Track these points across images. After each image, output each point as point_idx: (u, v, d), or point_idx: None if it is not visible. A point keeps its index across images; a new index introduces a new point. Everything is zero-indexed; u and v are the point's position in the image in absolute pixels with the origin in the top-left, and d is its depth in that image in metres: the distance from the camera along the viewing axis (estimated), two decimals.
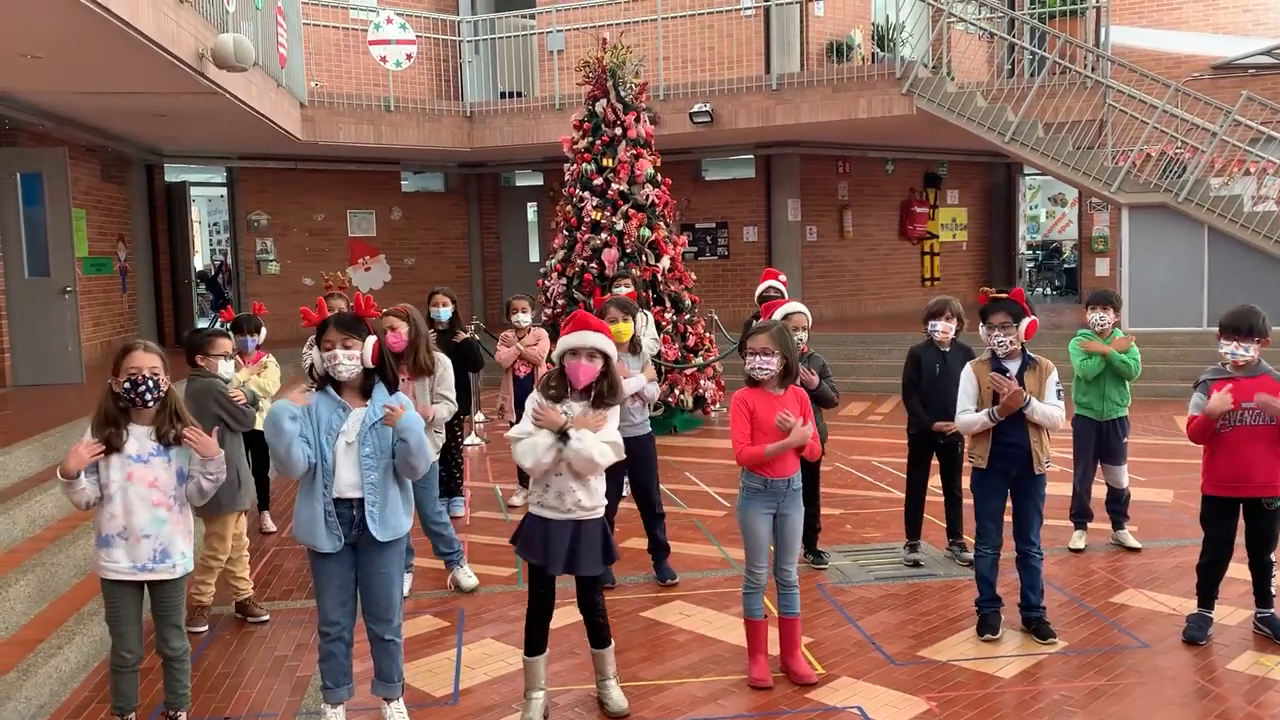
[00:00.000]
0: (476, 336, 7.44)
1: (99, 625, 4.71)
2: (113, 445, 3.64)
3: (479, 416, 10.51)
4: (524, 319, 7.19)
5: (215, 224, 20.41)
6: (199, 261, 17.79)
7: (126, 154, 12.69)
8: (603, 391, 3.90)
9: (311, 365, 3.84)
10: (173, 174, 14.59)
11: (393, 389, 3.80)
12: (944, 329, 5.56)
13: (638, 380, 5.34)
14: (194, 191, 15.40)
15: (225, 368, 5.13)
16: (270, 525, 6.86)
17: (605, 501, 3.98)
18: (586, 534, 3.90)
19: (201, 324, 14.41)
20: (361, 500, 3.70)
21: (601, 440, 3.81)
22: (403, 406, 3.71)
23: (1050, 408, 4.57)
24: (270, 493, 7.05)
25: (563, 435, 3.77)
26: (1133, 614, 4.98)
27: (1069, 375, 5.60)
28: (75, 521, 5.59)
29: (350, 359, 3.65)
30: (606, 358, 3.91)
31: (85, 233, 11.37)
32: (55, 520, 5.69)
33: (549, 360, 3.95)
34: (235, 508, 5.13)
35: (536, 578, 3.99)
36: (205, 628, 5.05)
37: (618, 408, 3.96)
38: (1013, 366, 4.64)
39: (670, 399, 9.78)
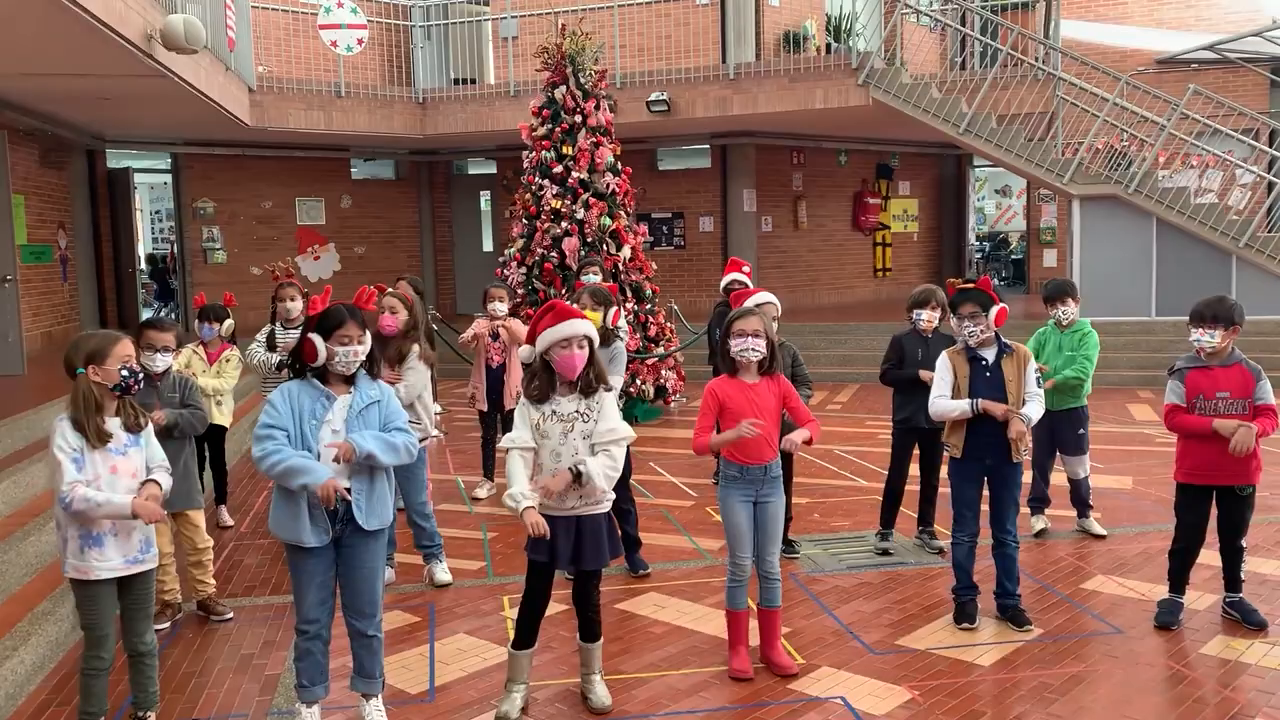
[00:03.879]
0: (435, 327, 7.33)
1: (55, 625, 4.54)
2: (104, 438, 3.51)
3: (437, 407, 10.34)
4: (500, 308, 7.10)
5: (157, 212, 19.82)
6: (142, 250, 17.31)
7: (67, 138, 12.29)
8: (590, 381, 3.81)
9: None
10: (115, 160, 14.17)
11: (375, 375, 3.72)
12: (929, 318, 5.60)
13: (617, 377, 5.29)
14: (137, 178, 14.99)
15: (161, 361, 4.71)
16: (227, 520, 6.67)
17: (610, 496, 3.87)
18: (590, 528, 3.83)
19: (146, 314, 14.05)
20: (349, 489, 3.59)
21: (608, 446, 3.78)
22: (349, 444, 3.52)
23: (1036, 407, 4.63)
24: (228, 486, 6.85)
25: (577, 476, 3.70)
26: (1103, 600, 5.03)
27: None
28: (25, 518, 5.39)
29: (365, 353, 3.63)
30: (590, 343, 3.83)
31: (24, 220, 11.00)
32: (3, 516, 5.48)
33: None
34: (196, 503, 4.98)
35: (536, 573, 3.91)
36: (167, 625, 4.88)
37: (615, 394, 3.88)
38: (989, 355, 4.63)
39: (631, 389, 9.72)
